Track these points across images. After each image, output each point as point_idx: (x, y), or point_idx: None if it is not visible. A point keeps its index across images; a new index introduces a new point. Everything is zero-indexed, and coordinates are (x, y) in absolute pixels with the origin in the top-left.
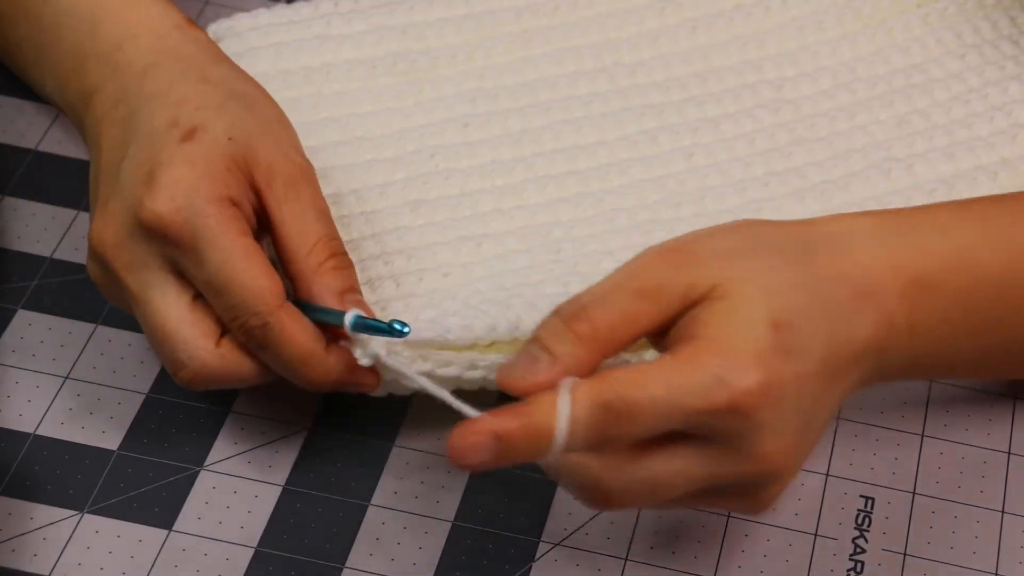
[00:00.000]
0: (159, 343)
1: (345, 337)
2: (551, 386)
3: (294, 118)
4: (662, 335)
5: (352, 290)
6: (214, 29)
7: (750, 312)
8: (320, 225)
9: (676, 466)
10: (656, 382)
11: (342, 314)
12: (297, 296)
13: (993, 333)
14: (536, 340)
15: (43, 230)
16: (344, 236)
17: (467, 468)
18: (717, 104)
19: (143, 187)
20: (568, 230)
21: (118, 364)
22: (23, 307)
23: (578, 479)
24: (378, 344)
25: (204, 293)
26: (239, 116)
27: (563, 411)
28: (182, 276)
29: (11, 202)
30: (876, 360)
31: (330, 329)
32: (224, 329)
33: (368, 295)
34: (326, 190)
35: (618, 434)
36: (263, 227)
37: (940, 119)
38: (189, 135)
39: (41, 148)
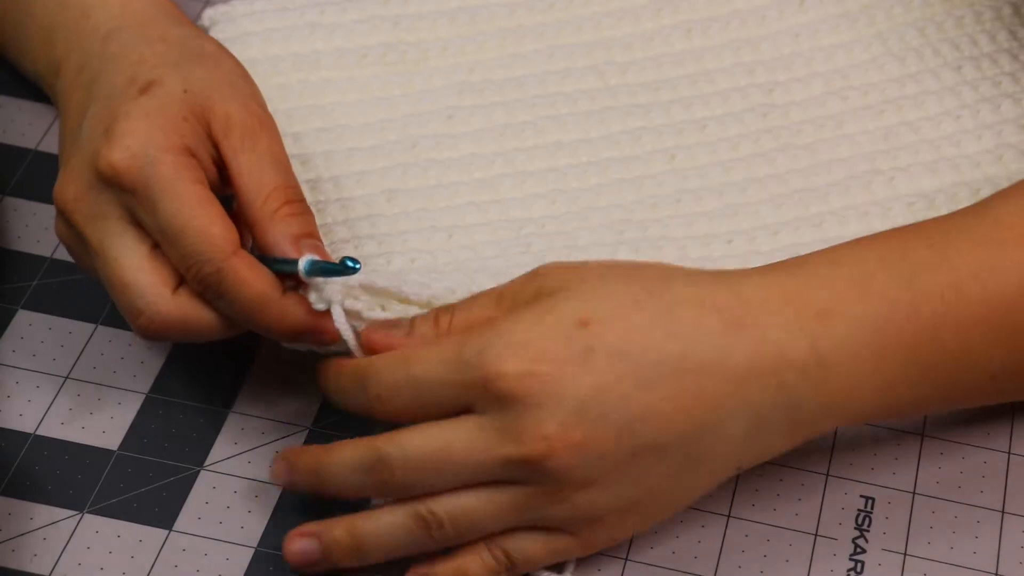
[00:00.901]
0: (117, 291)
1: (305, 285)
2: (398, 346)
3: (281, 104)
4: None
5: (309, 235)
6: (210, 14)
7: (556, 306)
8: (276, 174)
9: (472, 497)
10: (417, 341)
11: (296, 261)
12: (256, 244)
13: (917, 361)
14: (411, 318)
15: (43, 230)
16: (318, 221)
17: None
18: (705, 106)
19: (102, 139)
20: (540, 226)
21: (118, 364)
22: (23, 307)
23: None
24: (334, 289)
25: (160, 242)
26: (195, 71)
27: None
28: (140, 227)
29: (11, 202)
30: (775, 395)
31: (291, 278)
32: (181, 280)
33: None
34: (306, 175)
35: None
36: (224, 179)
37: (929, 134)
38: (145, 89)
39: (41, 148)
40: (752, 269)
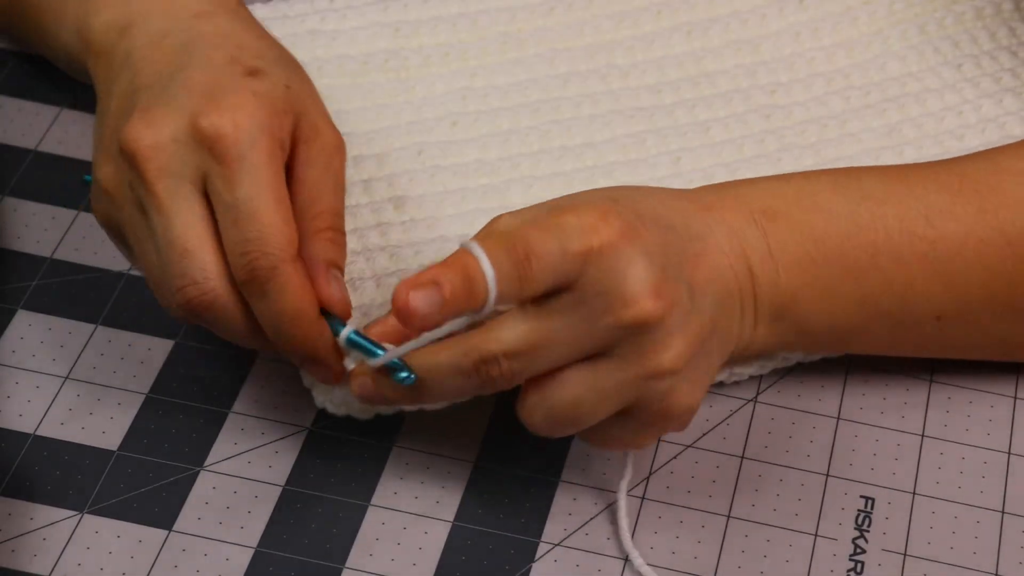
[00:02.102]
0: (175, 254)
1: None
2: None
3: None
4: None
5: (338, 266)
6: None
7: (592, 194)
8: (334, 198)
9: (572, 381)
10: (542, 231)
11: (338, 322)
12: None
13: (858, 281)
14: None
15: (43, 230)
16: None
17: (413, 321)
18: (708, 108)
19: (205, 101)
20: None
21: (118, 364)
22: (23, 307)
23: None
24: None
25: (225, 220)
26: (295, 73)
27: (482, 256)
28: (209, 202)
29: (11, 202)
30: (748, 275)
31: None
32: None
33: (351, 296)
34: None
35: (527, 277)
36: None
37: (931, 129)
38: (252, 73)
39: (41, 148)
40: (706, 186)
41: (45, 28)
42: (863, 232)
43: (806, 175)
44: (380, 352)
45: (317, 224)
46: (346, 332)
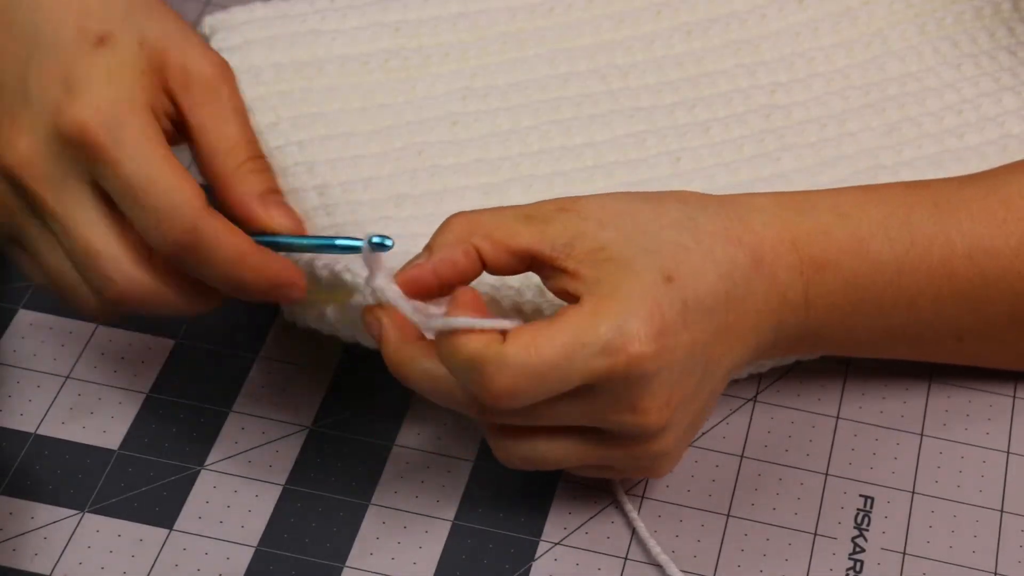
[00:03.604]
0: (84, 259)
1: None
2: (426, 275)
3: (285, 112)
4: (552, 271)
5: (272, 191)
6: (210, 22)
7: (642, 267)
8: (238, 127)
9: (560, 442)
10: (555, 345)
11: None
12: (218, 200)
13: (888, 317)
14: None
15: None
16: (327, 221)
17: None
18: (708, 108)
19: (62, 95)
20: None
21: (119, 364)
22: (24, 307)
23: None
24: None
25: (125, 207)
26: (146, 23)
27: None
28: (102, 193)
29: None
30: (774, 330)
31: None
32: (149, 251)
33: (347, 277)
34: (312, 182)
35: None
36: (180, 133)
37: (931, 128)
38: (100, 42)
39: None
40: (756, 197)
41: None
42: (904, 278)
43: (860, 205)
44: (311, 241)
45: (232, 161)
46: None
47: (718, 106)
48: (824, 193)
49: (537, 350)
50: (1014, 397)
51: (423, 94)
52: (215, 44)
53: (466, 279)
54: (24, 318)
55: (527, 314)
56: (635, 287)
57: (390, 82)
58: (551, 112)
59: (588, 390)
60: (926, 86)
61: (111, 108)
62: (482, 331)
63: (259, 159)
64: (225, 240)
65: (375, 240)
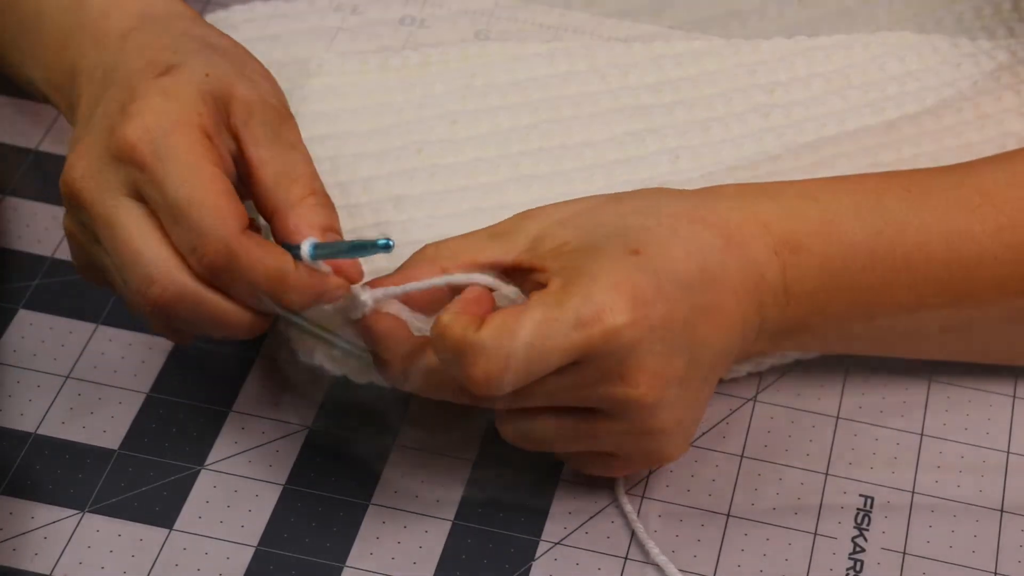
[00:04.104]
0: (127, 261)
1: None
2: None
3: (350, 147)
4: (523, 276)
5: (333, 229)
6: (210, 20)
7: (606, 246)
8: (300, 163)
9: (555, 421)
10: (530, 326)
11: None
12: (275, 233)
13: (868, 304)
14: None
15: (43, 230)
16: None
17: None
18: (707, 107)
19: (117, 117)
20: None
21: (119, 363)
22: (24, 307)
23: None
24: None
25: (167, 221)
26: (217, 59)
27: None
28: (150, 207)
29: (11, 202)
30: (757, 313)
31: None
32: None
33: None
34: (353, 224)
35: (498, 377)
36: (241, 175)
37: (930, 126)
38: (166, 71)
39: (41, 148)
40: (723, 187)
41: (8, 64)
42: (881, 263)
43: (830, 190)
44: (376, 244)
45: (293, 195)
46: (307, 247)
47: (718, 105)
48: (791, 181)
49: (510, 332)
50: (1014, 397)
51: (423, 92)
52: (312, 84)
53: (436, 302)
54: (25, 317)
55: None
56: (602, 264)
57: (389, 81)
58: (550, 111)
59: (575, 367)
60: (926, 85)
61: (160, 127)
62: (464, 317)
63: (323, 195)
64: (262, 260)
65: (380, 243)
